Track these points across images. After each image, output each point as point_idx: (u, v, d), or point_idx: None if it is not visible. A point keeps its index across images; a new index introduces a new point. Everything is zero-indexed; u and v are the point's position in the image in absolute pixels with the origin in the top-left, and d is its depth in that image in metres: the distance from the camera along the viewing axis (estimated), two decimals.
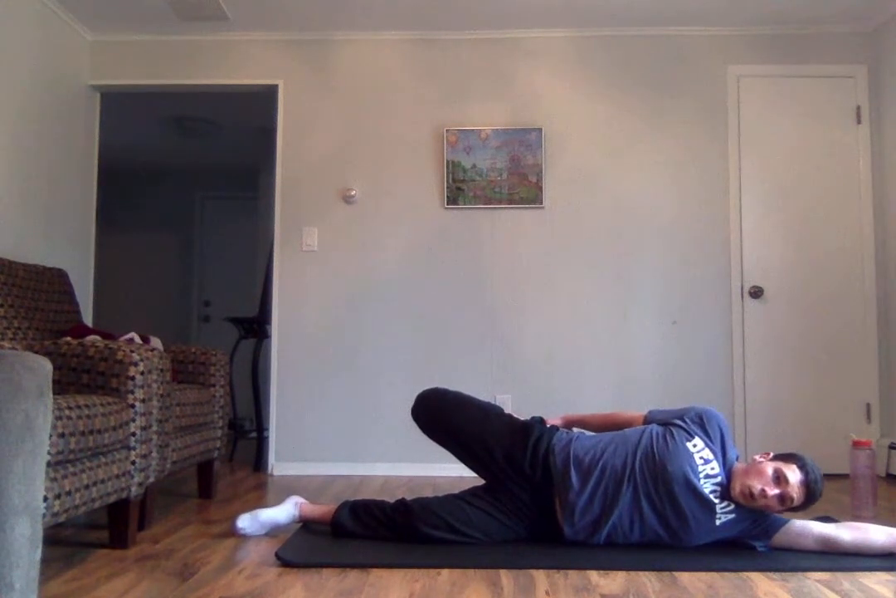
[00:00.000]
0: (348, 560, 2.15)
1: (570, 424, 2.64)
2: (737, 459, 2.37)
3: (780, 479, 2.19)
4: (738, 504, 2.27)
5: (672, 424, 2.39)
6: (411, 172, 4.09)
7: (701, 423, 2.37)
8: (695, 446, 2.30)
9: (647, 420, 2.51)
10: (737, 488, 2.22)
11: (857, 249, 3.99)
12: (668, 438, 2.32)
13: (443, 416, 2.51)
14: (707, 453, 2.30)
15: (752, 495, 2.18)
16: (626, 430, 2.45)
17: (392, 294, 4.04)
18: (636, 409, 2.91)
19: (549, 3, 3.81)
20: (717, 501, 2.24)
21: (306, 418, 3.98)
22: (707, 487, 2.24)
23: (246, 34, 4.16)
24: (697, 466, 2.26)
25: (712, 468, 2.27)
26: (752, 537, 2.27)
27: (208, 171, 6.75)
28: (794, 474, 2.20)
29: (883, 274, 3.96)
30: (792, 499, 2.19)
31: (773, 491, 2.17)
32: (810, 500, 2.22)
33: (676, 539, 2.27)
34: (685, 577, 2.05)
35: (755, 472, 2.22)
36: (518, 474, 2.36)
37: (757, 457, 2.33)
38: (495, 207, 4.04)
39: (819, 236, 4.01)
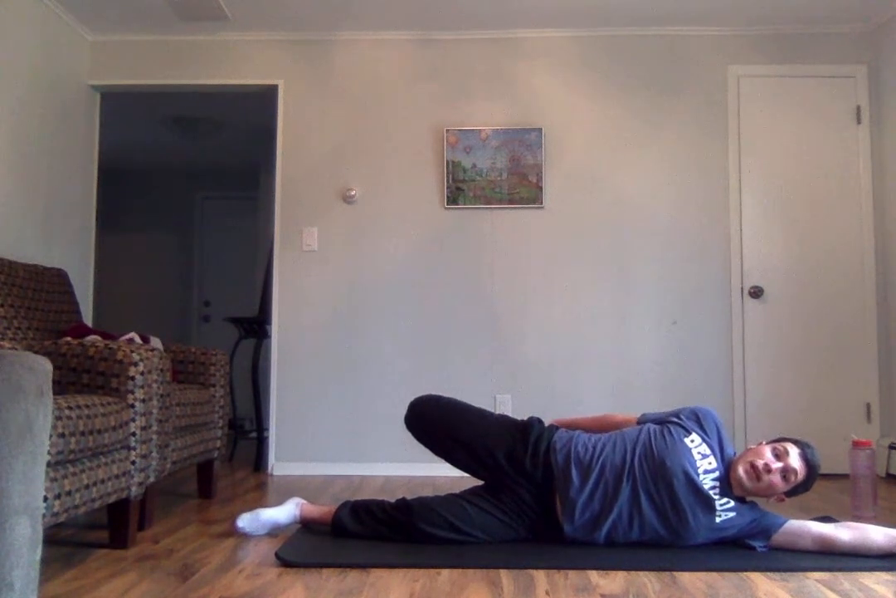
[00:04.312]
0: (348, 560, 2.15)
1: (562, 426, 2.64)
2: (734, 455, 2.39)
3: (779, 454, 2.27)
4: (737, 501, 2.28)
5: (668, 421, 2.42)
6: (411, 172, 4.09)
7: (697, 419, 2.42)
8: (692, 441, 2.33)
9: (641, 422, 2.53)
10: (740, 469, 2.27)
11: (857, 249, 3.99)
12: (666, 434, 2.35)
13: (440, 421, 2.51)
14: (704, 448, 2.32)
15: (756, 471, 2.23)
16: (625, 429, 2.46)
17: (392, 294, 4.04)
18: (636, 408, 2.92)
19: (549, 3, 3.81)
20: (716, 497, 2.25)
21: (306, 418, 3.98)
22: (706, 482, 2.26)
23: (246, 34, 4.16)
24: (695, 461, 2.28)
25: (710, 463, 2.30)
26: (752, 537, 2.28)
27: (208, 171, 6.75)
28: (791, 449, 2.28)
29: (883, 274, 3.96)
30: (795, 472, 2.25)
31: (776, 464, 2.25)
32: (811, 474, 2.28)
33: (676, 537, 2.27)
34: (685, 577, 2.05)
35: (754, 452, 2.31)
36: (519, 473, 2.36)
37: (752, 446, 2.39)
38: (495, 207, 4.04)
39: (819, 236, 4.01)
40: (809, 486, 2.30)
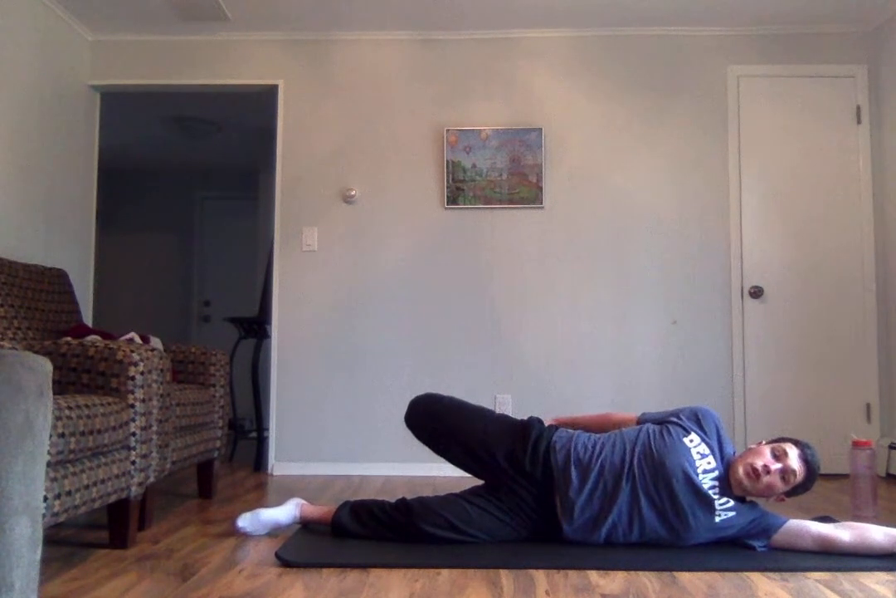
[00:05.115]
0: (348, 560, 2.15)
1: (561, 425, 2.64)
2: (734, 454, 2.39)
3: (778, 455, 2.27)
4: (737, 500, 2.29)
5: (668, 421, 2.42)
6: (411, 172, 4.09)
7: (696, 419, 2.41)
8: (691, 441, 2.33)
9: (640, 422, 2.53)
10: (739, 470, 2.26)
11: (857, 249, 3.99)
12: (665, 434, 2.35)
13: (441, 420, 2.51)
14: (703, 448, 2.33)
15: (755, 472, 2.23)
16: (624, 429, 2.46)
17: (392, 294, 4.04)
18: (636, 408, 2.92)
19: (549, 3, 3.81)
20: (716, 497, 2.26)
21: (306, 418, 3.98)
22: (706, 482, 2.26)
23: (246, 34, 4.16)
24: (694, 461, 2.29)
25: (709, 463, 2.30)
26: (752, 537, 2.28)
27: (208, 171, 6.75)
28: (791, 450, 2.28)
29: (883, 274, 3.95)
30: (794, 473, 2.25)
31: (775, 465, 2.25)
32: (811, 474, 2.28)
33: (676, 537, 2.27)
34: (685, 577, 2.05)
35: (753, 453, 2.31)
36: (519, 474, 2.36)
37: (752, 446, 2.39)
38: (495, 207, 4.04)
39: (819, 236, 4.01)
40: (809, 486, 2.30)
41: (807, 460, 2.27)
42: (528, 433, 2.42)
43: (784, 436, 2.43)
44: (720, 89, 4.08)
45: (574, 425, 2.64)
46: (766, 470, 2.24)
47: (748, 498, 2.35)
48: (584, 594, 1.89)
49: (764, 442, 2.37)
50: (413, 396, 2.62)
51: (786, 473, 2.25)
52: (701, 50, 4.11)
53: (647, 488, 2.26)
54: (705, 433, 2.37)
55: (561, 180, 4.06)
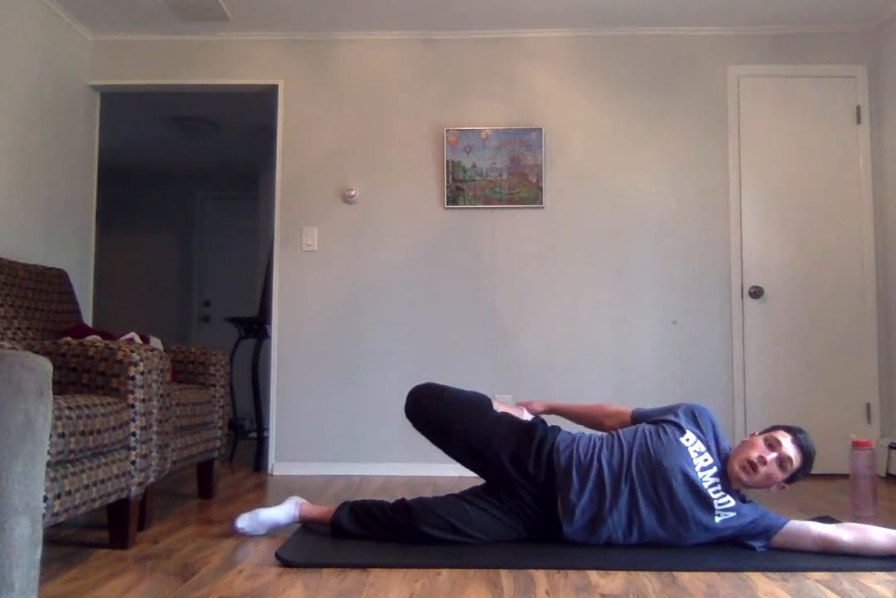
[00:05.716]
0: (348, 560, 2.15)
1: (551, 410, 2.67)
2: (730, 449, 2.40)
3: (772, 444, 2.29)
4: (738, 500, 2.29)
5: (663, 420, 2.43)
6: (411, 172, 4.09)
7: (692, 417, 2.42)
8: (687, 440, 2.34)
9: (634, 417, 2.54)
10: (736, 465, 2.28)
11: (857, 249, 3.99)
12: (661, 434, 2.35)
13: (442, 419, 2.47)
14: (700, 446, 2.33)
15: (752, 464, 2.24)
16: (621, 430, 2.46)
17: (392, 294, 4.04)
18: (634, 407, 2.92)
19: (549, 3, 3.81)
20: (716, 496, 2.26)
21: (306, 418, 3.98)
22: (706, 480, 2.26)
23: (246, 34, 4.16)
24: (692, 459, 2.29)
25: (705, 460, 2.31)
26: (752, 537, 2.28)
27: (208, 171, 6.76)
28: (783, 438, 2.30)
29: (883, 274, 3.95)
30: (790, 460, 2.26)
31: (770, 455, 2.26)
32: (807, 459, 2.29)
33: (677, 538, 2.27)
34: (685, 577, 2.05)
35: (747, 446, 2.33)
36: (522, 476, 2.35)
37: (745, 438, 2.41)
38: (495, 207, 4.04)
39: (819, 236, 4.01)
40: (808, 471, 2.32)
41: (801, 445, 2.29)
42: (532, 435, 2.41)
43: (776, 424, 2.44)
44: (720, 89, 4.08)
45: (566, 410, 2.67)
46: (762, 461, 2.25)
47: (748, 498, 2.35)
48: (584, 594, 1.89)
49: (757, 433, 2.39)
50: None
51: (782, 461, 2.27)
52: (701, 50, 4.11)
53: (647, 490, 2.26)
54: (701, 431, 2.38)
55: (561, 180, 4.06)
